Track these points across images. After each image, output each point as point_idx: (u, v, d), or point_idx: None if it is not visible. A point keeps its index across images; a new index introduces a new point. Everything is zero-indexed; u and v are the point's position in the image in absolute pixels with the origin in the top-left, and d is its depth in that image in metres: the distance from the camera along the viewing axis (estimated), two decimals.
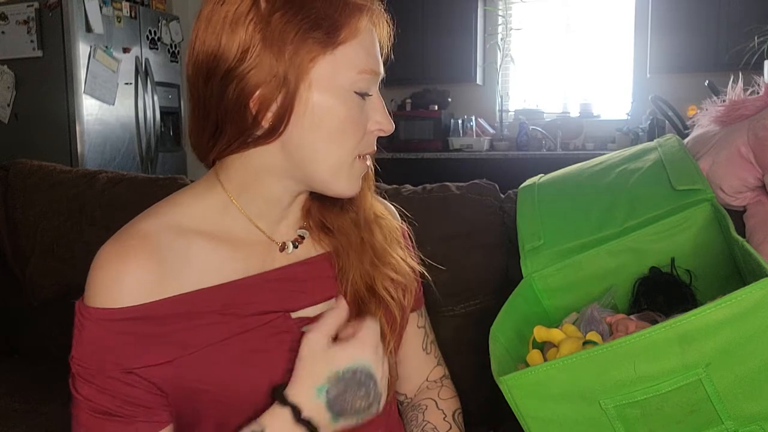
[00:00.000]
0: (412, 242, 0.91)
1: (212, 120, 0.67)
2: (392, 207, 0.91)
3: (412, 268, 0.83)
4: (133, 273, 0.65)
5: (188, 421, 0.70)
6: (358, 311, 0.74)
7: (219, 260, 0.70)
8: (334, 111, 0.66)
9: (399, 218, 0.91)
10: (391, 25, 0.73)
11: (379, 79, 0.71)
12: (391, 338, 0.77)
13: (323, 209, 0.78)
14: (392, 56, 0.75)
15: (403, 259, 0.82)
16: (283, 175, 0.70)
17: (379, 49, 0.70)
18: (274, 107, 0.65)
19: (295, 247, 0.75)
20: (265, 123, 0.65)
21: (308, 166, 0.69)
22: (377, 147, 0.75)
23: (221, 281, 0.69)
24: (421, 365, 0.92)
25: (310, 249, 0.77)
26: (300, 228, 0.78)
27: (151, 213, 0.71)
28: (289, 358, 0.68)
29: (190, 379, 0.66)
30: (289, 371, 0.68)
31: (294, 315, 0.72)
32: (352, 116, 0.68)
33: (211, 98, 0.66)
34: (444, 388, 0.92)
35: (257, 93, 0.64)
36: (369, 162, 0.74)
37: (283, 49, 0.63)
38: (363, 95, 0.69)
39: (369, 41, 0.68)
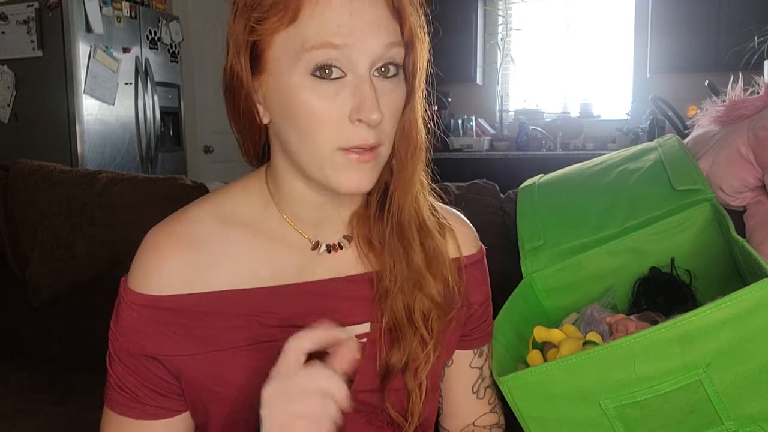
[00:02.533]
0: (483, 268, 0.81)
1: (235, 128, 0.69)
2: (467, 229, 0.80)
3: (455, 296, 0.73)
4: (171, 263, 0.66)
5: (198, 420, 0.71)
6: (392, 338, 0.69)
7: (257, 258, 0.69)
8: (293, 102, 0.61)
9: (475, 240, 0.81)
10: None
11: (362, 53, 0.60)
12: (424, 368, 0.69)
13: (368, 221, 0.71)
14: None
15: (447, 282, 0.72)
16: (293, 171, 0.67)
17: (351, 17, 0.59)
18: (245, 102, 0.65)
19: (328, 251, 0.71)
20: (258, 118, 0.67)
21: (297, 162, 0.65)
22: None
23: (257, 284, 0.68)
24: (470, 408, 0.83)
25: (355, 265, 0.72)
26: (344, 237, 0.72)
27: (202, 200, 0.72)
28: None
29: (205, 377, 0.66)
30: None
31: None
32: (314, 107, 0.60)
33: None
34: None
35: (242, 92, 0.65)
36: (372, 156, 0.63)
37: (238, 47, 0.63)
38: (330, 78, 0.60)
39: (326, 12, 0.59)
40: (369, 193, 0.71)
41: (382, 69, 0.62)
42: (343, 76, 0.60)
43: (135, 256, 0.68)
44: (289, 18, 0.59)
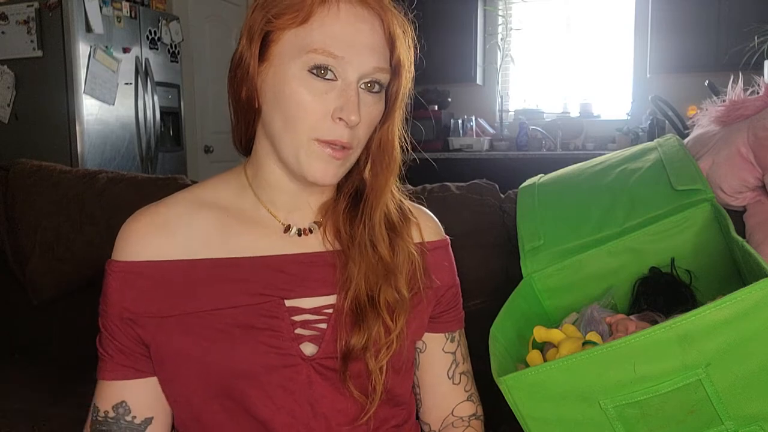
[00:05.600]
0: (449, 257, 0.87)
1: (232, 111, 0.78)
2: (431, 220, 0.88)
3: (421, 289, 0.79)
4: (146, 236, 0.73)
5: (173, 387, 0.74)
6: (353, 320, 0.74)
7: (228, 234, 0.75)
8: (286, 90, 0.69)
9: (438, 229, 0.88)
10: (394, 15, 0.72)
11: (354, 67, 0.69)
12: (386, 352, 0.74)
13: (337, 214, 0.79)
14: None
15: (412, 282, 0.78)
16: (273, 157, 0.75)
17: (353, 34, 0.68)
18: (246, 88, 0.72)
19: (299, 234, 0.77)
20: (249, 103, 0.74)
21: (276, 146, 0.73)
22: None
23: (225, 255, 0.74)
24: (447, 395, 0.87)
25: (323, 244, 0.78)
26: (314, 222, 0.79)
27: (183, 190, 0.80)
28: (270, 344, 0.71)
29: (175, 338, 0.71)
30: (267, 355, 0.71)
31: (288, 302, 0.74)
32: (304, 98, 0.68)
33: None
34: (470, 428, 0.86)
35: (245, 79, 0.73)
36: (343, 154, 0.71)
37: (252, 35, 0.71)
38: (323, 78, 0.68)
39: (334, 24, 0.68)
40: (341, 192, 0.80)
41: (369, 84, 0.71)
42: (335, 80, 0.69)
43: (117, 235, 0.76)
44: (301, 19, 0.68)
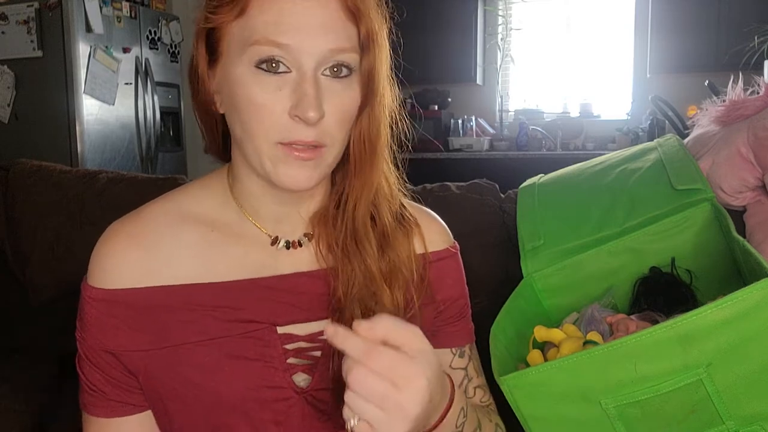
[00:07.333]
0: (459, 266, 0.79)
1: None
2: (436, 225, 0.78)
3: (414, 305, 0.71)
4: (125, 259, 0.66)
5: (160, 421, 0.70)
6: None
7: (213, 254, 0.68)
8: (238, 92, 0.61)
9: (444, 236, 0.79)
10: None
11: (308, 53, 0.59)
12: None
13: (329, 223, 0.71)
14: (392, 55, 0.67)
15: (406, 294, 0.70)
16: (246, 164, 0.67)
17: (298, 15, 0.59)
18: (202, 93, 0.66)
19: (287, 247, 0.70)
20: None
21: (243, 153, 0.65)
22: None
23: (214, 279, 0.67)
24: None
25: (314, 261, 0.71)
26: (305, 234, 0.72)
27: (162, 197, 0.72)
28: (262, 376, 0.66)
29: (161, 374, 0.66)
30: (258, 388, 0.65)
31: (280, 330, 0.68)
32: (256, 98, 0.60)
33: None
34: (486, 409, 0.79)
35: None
36: (314, 154, 0.62)
37: (198, 34, 0.64)
38: (275, 72, 0.60)
39: (272, 7, 0.59)
40: (331, 196, 0.71)
41: (335, 69, 0.62)
42: (289, 72, 0.60)
43: (92, 253, 0.68)
44: (238, 11, 0.60)
